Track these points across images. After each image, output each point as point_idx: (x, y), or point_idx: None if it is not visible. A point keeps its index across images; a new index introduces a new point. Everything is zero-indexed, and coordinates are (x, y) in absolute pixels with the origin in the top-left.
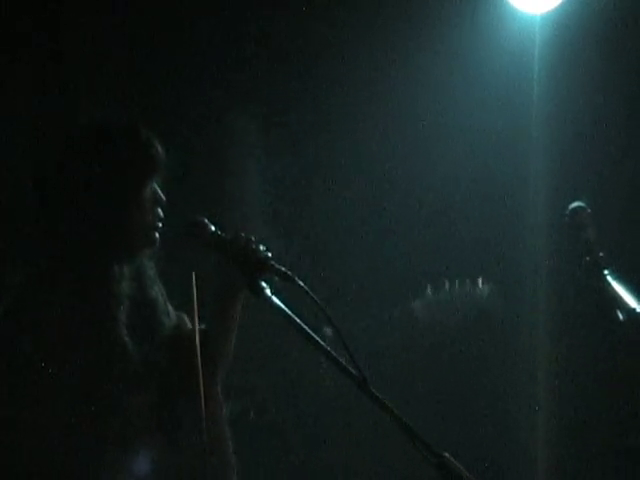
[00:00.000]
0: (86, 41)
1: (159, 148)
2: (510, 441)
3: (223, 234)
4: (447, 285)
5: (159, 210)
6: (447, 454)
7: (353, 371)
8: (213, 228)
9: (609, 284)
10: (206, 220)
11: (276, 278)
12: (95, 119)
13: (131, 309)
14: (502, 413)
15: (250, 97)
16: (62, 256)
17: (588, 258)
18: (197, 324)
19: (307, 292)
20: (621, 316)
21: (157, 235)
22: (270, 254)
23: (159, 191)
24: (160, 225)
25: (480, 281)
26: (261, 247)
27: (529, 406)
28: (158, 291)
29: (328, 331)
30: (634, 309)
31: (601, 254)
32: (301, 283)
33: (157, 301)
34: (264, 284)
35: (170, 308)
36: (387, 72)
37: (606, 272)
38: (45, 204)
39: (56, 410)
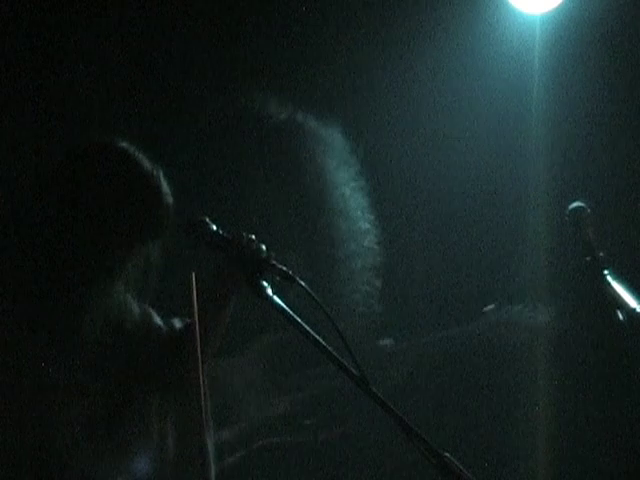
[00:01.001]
0: (85, 48)
1: (169, 215)
2: (510, 441)
3: (224, 233)
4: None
5: (141, 274)
6: (448, 454)
7: (354, 371)
8: (214, 227)
9: (609, 284)
10: (207, 219)
11: (277, 278)
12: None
13: (90, 320)
14: (502, 413)
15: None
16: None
17: (588, 258)
18: (197, 324)
19: (308, 292)
20: (621, 316)
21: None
22: (271, 254)
23: (153, 255)
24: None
25: (539, 306)
26: (262, 247)
27: (529, 406)
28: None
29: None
30: (634, 309)
31: (601, 254)
32: (302, 283)
33: (125, 316)
34: (265, 283)
35: (134, 305)
36: (387, 72)
37: (606, 272)
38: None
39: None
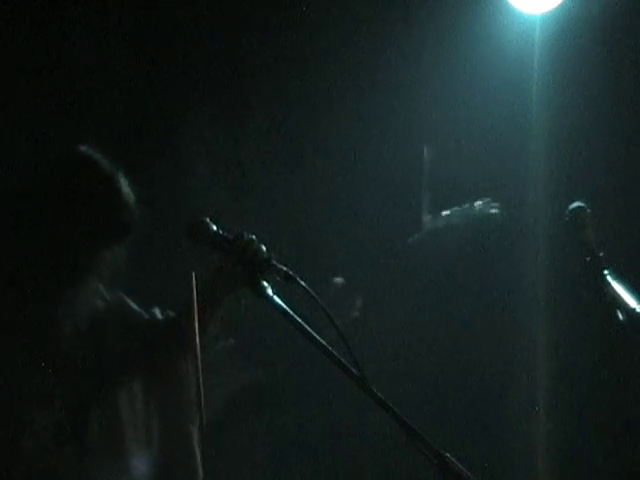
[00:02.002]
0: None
1: (133, 217)
2: (510, 441)
3: (225, 234)
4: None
5: (109, 273)
6: (448, 454)
7: (354, 370)
8: (215, 228)
9: (609, 284)
10: (208, 220)
11: (278, 278)
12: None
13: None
14: (502, 413)
15: (247, 98)
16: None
17: (588, 258)
18: (197, 324)
19: (309, 292)
20: (621, 316)
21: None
22: (272, 254)
23: (120, 257)
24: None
25: (480, 201)
26: (263, 247)
27: (529, 406)
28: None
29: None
30: (634, 309)
31: (601, 254)
32: (303, 283)
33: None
34: (265, 283)
35: (105, 294)
36: (387, 72)
37: (606, 272)
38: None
39: None
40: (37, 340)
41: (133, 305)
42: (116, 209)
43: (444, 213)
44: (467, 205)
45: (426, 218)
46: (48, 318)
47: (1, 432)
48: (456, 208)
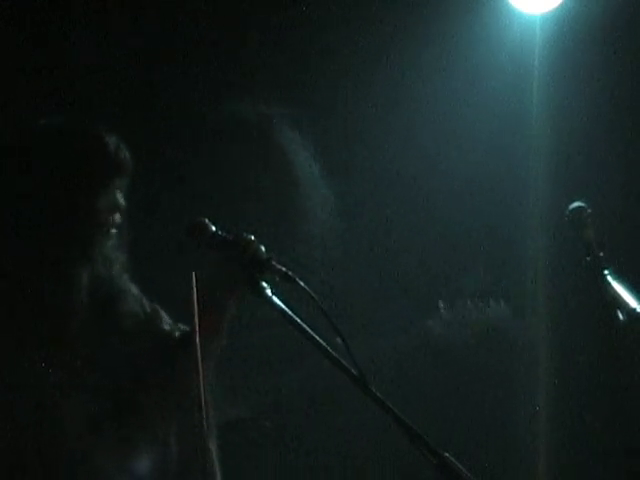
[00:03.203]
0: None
1: (122, 153)
2: (510, 441)
3: (224, 234)
4: (460, 304)
5: (116, 216)
6: (447, 454)
7: (354, 371)
8: (214, 228)
9: (609, 284)
10: (207, 221)
11: (277, 278)
12: (57, 120)
13: (91, 312)
14: (502, 413)
15: (252, 93)
16: (10, 257)
17: (588, 258)
18: (197, 324)
19: (308, 292)
20: (621, 316)
21: (112, 240)
22: (271, 254)
23: (119, 197)
24: (115, 231)
25: (491, 300)
26: (262, 247)
27: (529, 406)
28: (129, 295)
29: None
30: (634, 309)
31: (601, 254)
32: (302, 283)
33: (126, 306)
34: (265, 284)
35: (146, 304)
36: (387, 72)
37: (606, 272)
38: None
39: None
40: (58, 324)
41: (166, 322)
42: (97, 148)
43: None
44: (480, 302)
45: (441, 307)
46: (66, 301)
47: (41, 426)
48: (469, 304)
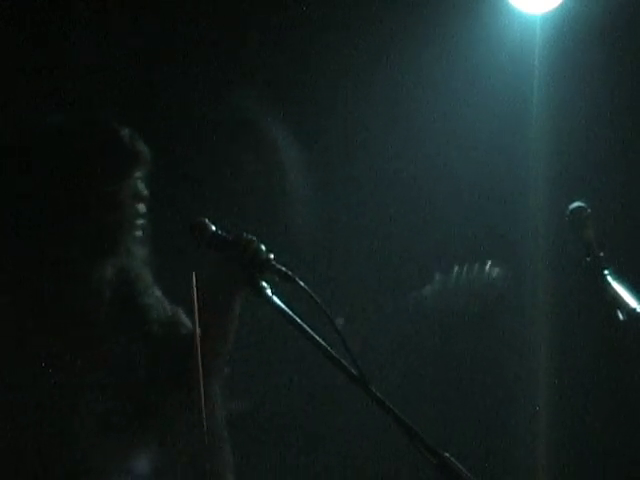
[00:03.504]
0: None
1: (139, 144)
2: (510, 441)
3: (224, 234)
4: (456, 270)
5: (140, 206)
6: (447, 454)
7: (354, 371)
8: (214, 228)
9: (609, 284)
10: (207, 220)
11: (277, 278)
12: (71, 117)
13: (112, 308)
14: (502, 413)
15: (250, 90)
16: (33, 255)
17: (588, 258)
18: (197, 324)
19: (308, 292)
20: (621, 316)
21: (138, 231)
22: (271, 254)
23: (140, 187)
24: (141, 222)
25: (489, 264)
26: (262, 247)
27: (529, 406)
28: (152, 294)
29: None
30: (634, 309)
31: (601, 254)
32: (302, 283)
33: (147, 306)
34: (265, 284)
35: (167, 307)
36: (386, 72)
37: (606, 272)
38: (16, 200)
39: (22, 415)
40: (78, 320)
41: (185, 326)
42: (112, 140)
43: (455, 270)
44: (477, 266)
45: (438, 275)
46: (88, 296)
47: (55, 424)
48: (466, 268)
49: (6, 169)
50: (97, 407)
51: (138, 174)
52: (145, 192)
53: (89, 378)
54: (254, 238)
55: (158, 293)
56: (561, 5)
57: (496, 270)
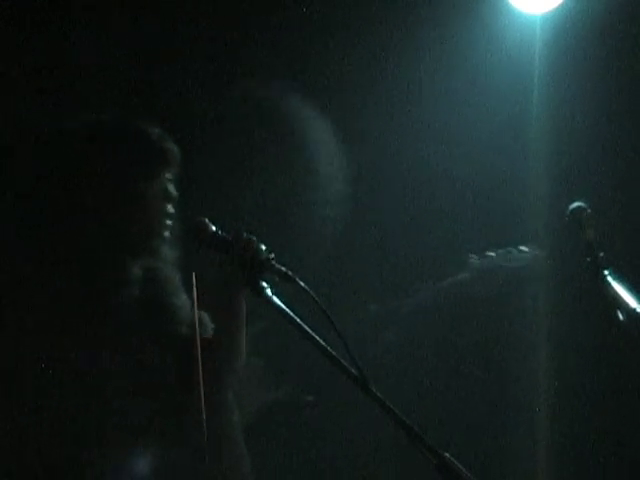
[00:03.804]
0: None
1: (169, 143)
2: (510, 441)
3: (224, 234)
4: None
5: (168, 206)
6: (447, 454)
7: (354, 371)
8: (214, 228)
9: (609, 284)
10: (207, 220)
11: (277, 278)
12: (101, 117)
13: (141, 307)
14: (502, 413)
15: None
16: (65, 253)
17: (588, 258)
18: (197, 324)
19: (308, 292)
20: (621, 316)
21: (165, 232)
22: (271, 254)
23: (169, 187)
24: (169, 222)
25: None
26: (262, 247)
27: (529, 406)
28: (180, 296)
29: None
30: (634, 309)
31: (601, 254)
32: (302, 283)
33: (175, 306)
34: (265, 284)
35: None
36: (386, 72)
37: (606, 272)
38: (47, 200)
39: (50, 410)
40: (107, 319)
41: (208, 330)
42: (145, 140)
43: (489, 254)
44: (511, 249)
45: (472, 258)
46: (116, 296)
47: (91, 416)
48: (501, 251)
49: (34, 168)
50: (125, 406)
51: (167, 174)
52: (174, 193)
53: (119, 376)
54: (254, 238)
55: (184, 295)
56: (561, 5)
57: (529, 251)
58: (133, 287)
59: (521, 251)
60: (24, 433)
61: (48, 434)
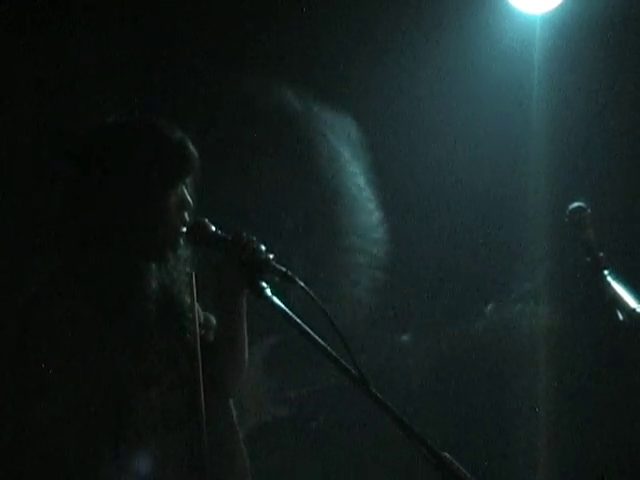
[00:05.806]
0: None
1: (190, 150)
2: (510, 441)
3: (224, 234)
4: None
5: (185, 214)
6: (447, 454)
7: (354, 371)
8: (213, 228)
9: (609, 284)
10: (207, 220)
11: (277, 278)
12: (124, 118)
13: (156, 310)
14: (502, 413)
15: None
16: (86, 252)
17: (588, 258)
18: (197, 323)
19: (308, 292)
20: (621, 316)
21: (180, 239)
22: (271, 255)
23: (187, 194)
24: (184, 230)
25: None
26: (262, 247)
27: (529, 407)
28: (192, 296)
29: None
30: (634, 309)
31: (601, 254)
32: (301, 283)
33: (190, 306)
34: (264, 284)
35: (201, 312)
36: (386, 72)
37: (606, 272)
38: (69, 200)
39: (68, 407)
40: (128, 322)
41: (213, 332)
42: (166, 144)
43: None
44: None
45: (489, 307)
46: (134, 303)
47: (108, 415)
48: (519, 306)
49: (57, 174)
50: (161, 405)
51: (185, 181)
52: (190, 201)
53: (141, 375)
54: (253, 238)
55: (194, 297)
56: (561, 5)
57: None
58: (150, 294)
59: (537, 309)
60: (44, 434)
61: (66, 434)
